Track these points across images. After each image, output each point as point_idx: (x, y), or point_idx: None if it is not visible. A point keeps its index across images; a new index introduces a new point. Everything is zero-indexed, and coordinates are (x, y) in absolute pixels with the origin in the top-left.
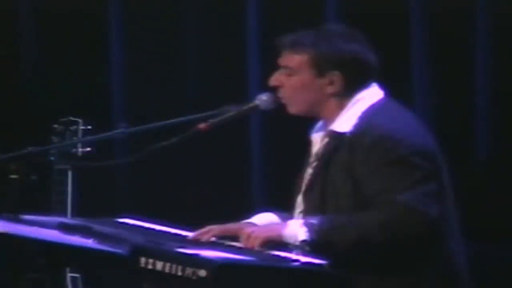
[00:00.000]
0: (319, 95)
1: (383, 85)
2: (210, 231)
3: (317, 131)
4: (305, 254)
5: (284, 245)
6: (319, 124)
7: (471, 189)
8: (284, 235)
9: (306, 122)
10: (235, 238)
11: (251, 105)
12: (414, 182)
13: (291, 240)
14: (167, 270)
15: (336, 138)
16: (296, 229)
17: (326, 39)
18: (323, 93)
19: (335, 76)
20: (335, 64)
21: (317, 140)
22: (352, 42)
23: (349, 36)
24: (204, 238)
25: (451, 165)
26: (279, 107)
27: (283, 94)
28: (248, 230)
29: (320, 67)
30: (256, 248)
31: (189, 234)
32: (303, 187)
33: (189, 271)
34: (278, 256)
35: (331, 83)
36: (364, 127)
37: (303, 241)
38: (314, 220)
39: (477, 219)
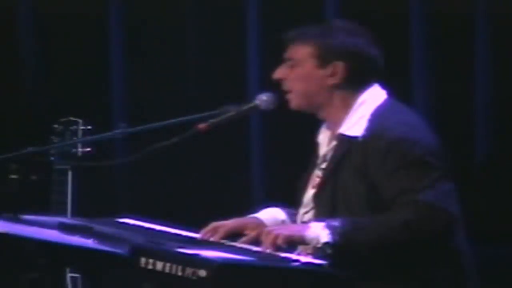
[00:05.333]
0: (320, 87)
1: (382, 84)
2: (217, 229)
3: (322, 133)
4: (322, 257)
5: (292, 245)
6: (324, 126)
7: (471, 189)
8: (306, 236)
9: (306, 122)
10: (237, 236)
11: (251, 105)
12: (433, 181)
13: (313, 242)
14: (167, 270)
15: (347, 141)
16: (318, 231)
17: (331, 32)
18: (324, 85)
19: (337, 67)
20: (338, 55)
21: (324, 141)
22: (357, 37)
23: (354, 31)
24: (214, 239)
25: (451, 165)
26: (279, 107)
27: (286, 87)
28: (268, 229)
29: (323, 58)
30: (276, 247)
31: (190, 234)
32: (313, 189)
33: (189, 271)
34: (278, 256)
35: (333, 74)
36: (377, 130)
37: (326, 243)
38: (336, 222)
39: (477, 219)
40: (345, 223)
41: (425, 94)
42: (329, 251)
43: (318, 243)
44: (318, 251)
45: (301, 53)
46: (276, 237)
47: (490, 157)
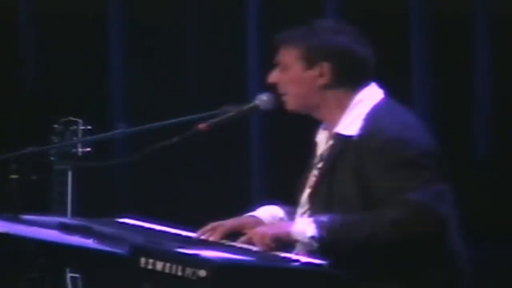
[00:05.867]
0: (311, 88)
1: (382, 84)
2: (215, 229)
3: (321, 133)
4: (311, 252)
5: (290, 245)
6: (322, 125)
7: (471, 189)
8: (292, 232)
9: (306, 122)
10: (236, 235)
11: (251, 105)
12: (424, 182)
13: (299, 237)
14: (167, 270)
15: (342, 141)
16: (304, 226)
17: (315, 32)
18: (314, 86)
19: (324, 67)
20: (323, 56)
21: (322, 141)
22: (342, 36)
23: (339, 29)
24: (212, 239)
25: (451, 164)
26: (279, 107)
27: (280, 90)
28: (256, 230)
29: (309, 59)
30: (268, 246)
31: (189, 234)
32: (309, 189)
33: (189, 271)
34: (278, 256)
35: (321, 74)
36: (371, 129)
37: (312, 237)
38: (323, 218)
39: (477, 219)
40: (333, 219)
41: (425, 94)
42: (315, 244)
43: (304, 237)
44: (306, 246)
45: (289, 56)
46: (263, 236)
47: (490, 157)
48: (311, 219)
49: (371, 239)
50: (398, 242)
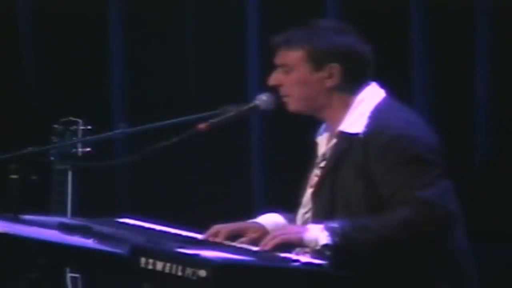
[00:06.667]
0: (319, 90)
1: (382, 84)
2: (219, 232)
3: (321, 133)
4: (322, 257)
5: (291, 245)
6: (323, 126)
7: (471, 189)
8: (305, 239)
9: (306, 122)
10: (238, 237)
11: (251, 105)
12: (432, 178)
13: (311, 244)
14: (167, 270)
15: (347, 139)
16: (317, 233)
17: (318, 33)
18: (322, 87)
19: (334, 68)
20: (332, 56)
21: (323, 141)
22: (346, 36)
23: (341, 29)
24: (216, 240)
25: (451, 165)
26: (279, 107)
27: (283, 92)
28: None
29: (317, 60)
30: (275, 246)
31: (190, 234)
32: (312, 188)
33: (189, 271)
34: (278, 256)
35: (330, 76)
36: (377, 127)
37: (325, 245)
38: (335, 224)
39: (477, 219)
40: (344, 225)
41: (425, 94)
42: (328, 252)
43: (316, 245)
44: (317, 252)
45: (293, 58)
46: (274, 237)
47: (490, 157)
48: (322, 226)
49: (384, 242)
50: (410, 241)
